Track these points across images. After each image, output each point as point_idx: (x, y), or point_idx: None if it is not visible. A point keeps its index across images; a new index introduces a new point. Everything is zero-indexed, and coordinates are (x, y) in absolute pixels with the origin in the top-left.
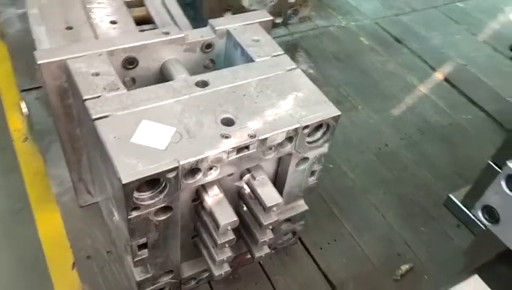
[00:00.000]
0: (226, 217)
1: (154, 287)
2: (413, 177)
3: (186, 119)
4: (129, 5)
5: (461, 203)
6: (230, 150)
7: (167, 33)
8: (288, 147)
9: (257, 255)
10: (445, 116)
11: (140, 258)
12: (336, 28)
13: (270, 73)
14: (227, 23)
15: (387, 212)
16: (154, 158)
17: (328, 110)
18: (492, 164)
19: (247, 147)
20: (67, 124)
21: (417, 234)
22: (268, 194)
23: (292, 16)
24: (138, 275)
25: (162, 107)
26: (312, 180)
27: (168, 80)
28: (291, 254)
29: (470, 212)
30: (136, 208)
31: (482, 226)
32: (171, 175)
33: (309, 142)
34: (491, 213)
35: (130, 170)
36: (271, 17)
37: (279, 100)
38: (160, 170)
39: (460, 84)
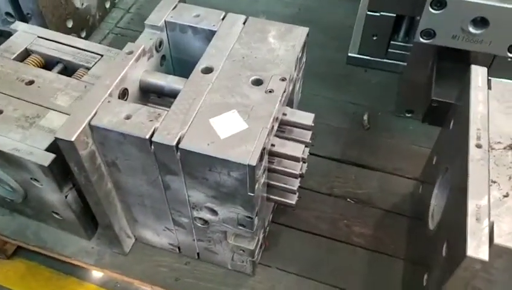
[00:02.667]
0: (298, 149)
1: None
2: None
3: (231, 99)
4: None
5: (359, 54)
6: (280, 98)
7: (131, 52)
8: (295, 74)
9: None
10: None
11: (256, 227)
12: None
13: (237, 32)
14: (158, 16)
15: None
16: (251, 136)
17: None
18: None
19: (285, 91)
20: (101, 182)
21: (348, 95)
22: (302, 116)
23: None
24: (252, 245)
25: (205, 102)
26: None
27: (154, 91)
28: None
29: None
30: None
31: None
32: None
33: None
34: (427, 34)
35: (245, 156)
36: None
37: (266, 45)
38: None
39: None
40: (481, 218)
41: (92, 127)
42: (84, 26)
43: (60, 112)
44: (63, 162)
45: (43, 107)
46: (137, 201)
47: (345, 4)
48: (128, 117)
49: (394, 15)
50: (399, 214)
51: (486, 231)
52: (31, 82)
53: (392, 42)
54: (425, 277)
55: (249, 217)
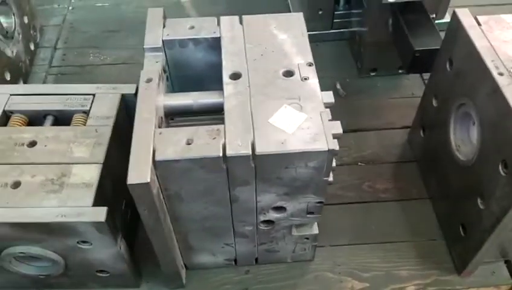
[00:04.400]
0: (338, 126)
1: None
2: None
3: (275, 96)
4: None
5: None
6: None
7: (150, 80)
8: None
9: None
10: None
11: None
12: None
13: (240, 32)
14: (154, 37)
15: None
16: (316, 123)
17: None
18: None
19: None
20: (166, 219)
21: None
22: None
23: None
24: (316, 230)
25: (254, 106)
26: None
27: (181, 112)
28: None
29: None
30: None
31: None
32: None
33: None
34: None
35: (323, 142)
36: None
37: (276, 38)
38: None
39: None
40: None
41: (157, 163)
42: (20, 74)
43: (85, 163)
44: (111, 213)
45: (64, 164)
46: (195, 227)
47: None
48: (189, 142)
49: None
50: (406, 162)
51: None
52: (32, 143)
53: (335, 13)
54: (479, 200)
55: (320, 202)
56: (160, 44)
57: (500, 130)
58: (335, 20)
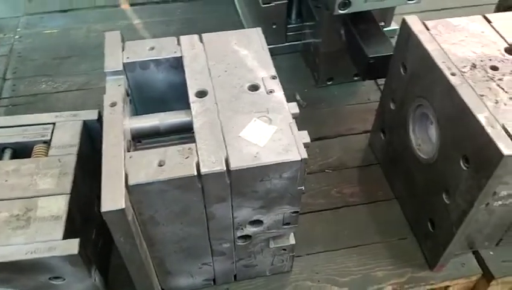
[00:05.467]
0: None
1: None
2: None
3: (243, 110)
4: None
5: None
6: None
7: (114, 104)
8: None
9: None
10: None
11: None
12: None
13: (201, 50)
14: (114, 60)
15: None
16: (286, 134)
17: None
18: None
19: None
20: (142, 245)
21: None
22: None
23: None
24: (293, 240)
25: (223, 122)
26: None
27: (148, 134)
28: None
29: None
30: None
31: None
32: None
33: None
34: (344, 4)
35: (295, 152)
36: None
37: (237, 54)
38: None
39: None
40: (494, 125)
41: (130, 188)
42: None
43: (51, 195)
44: (83, 244)
45: (28, 198)
46: (172, 249)
47: (218, 9)
48: (161, 163)
49: (286, 1)
50: (370, 165)
51: (503, 133)
52: None
53: (288, 26)
54: (444, 195)
55: (296, 211)
56: (121, 67)
57: (458, 127)
58: (288, 33)
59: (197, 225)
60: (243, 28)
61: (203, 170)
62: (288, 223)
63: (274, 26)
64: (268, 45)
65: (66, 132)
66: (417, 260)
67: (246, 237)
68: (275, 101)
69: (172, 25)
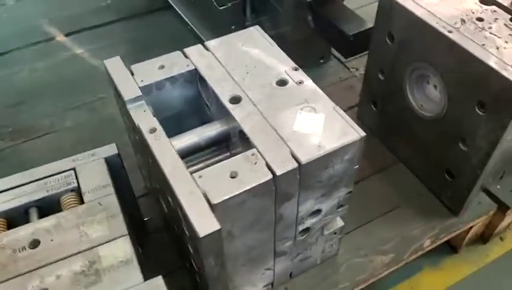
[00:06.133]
0: None
1: None
2: None
3: (284, 105)
4: None
5: None
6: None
7: (154, 130)
8: None
9: None
10: None
11: None
12: None
13: (212, 57)
14: (130, 88)
15: None
16: (336, 118)
17: None
18: None
19: None
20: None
21: None
22: None
23: None
24: (342, 221)
25: (271, 121)
26: None
27: (190, 153)
28: None
29: None
30: None
31: None
32: None
33: None
34: None
35: (353, 132)
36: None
37: (250, 54)
38: None
39: None
40: (506, 67)
41: (214, 207)
42: None
43: (110, 240)
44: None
45: (86, 251)
46: (241, 262)
47: (162, 23)
48: (233, 175)
49: (240, 0)
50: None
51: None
52: (34, 243)
53: (246, 24)
54: (461, 144)
55: (350, 191)
56: (139, 92)
57: (466, 78)
58: None
59: (265, 230)
60: (198, 37)
61: (277, 172)
62: (342, 206)
63: (233, 27)
64: None
65: (92, 173)
66: (440, 211)
67: (306, 230)
68: (309, 90)
69: (120, 47)
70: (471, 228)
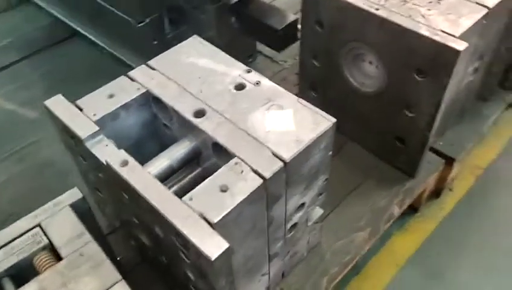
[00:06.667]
0: None
1: None
2: None
3: (250, 108)
4: None
5: None
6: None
7: (126, 163)
8: None
9: None
10: None
11: None
12: None
13: (159, 74)
14: (84, 124)
15: None
16: (305, 110)
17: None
18: None
19: None
20: None
21: None
22: None
23: None
24: (321, 210)
25: (243, 126)
26: None
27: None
28: None
29: None
30: None
31: None
32: None
33: None
34: None
35: (324, 120)
36: None
37: (196, 63)
38: None
39: None
40: (437, 33)
41: (215, 225)
42: None
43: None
44: None
45: None
46: (241, 274)
47: (74, 52)
48: (224, 189)
49: (157, 14)
50: None
51: (446, 35)
52: None
53: (168, 37)
54: (407, 111)
55: (327, 178)
56: (95, 127)
57: (401, 48)
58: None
59: (260, 236)
60: (118, 59)
61: (266, 175)
62: (321, 194)
63: (155, 42)
64: None
65: (62, 225)
66: (398, 178)
67: (293, 226)
68: (268, 89)
69: (35, 86)
70: (427, 186)
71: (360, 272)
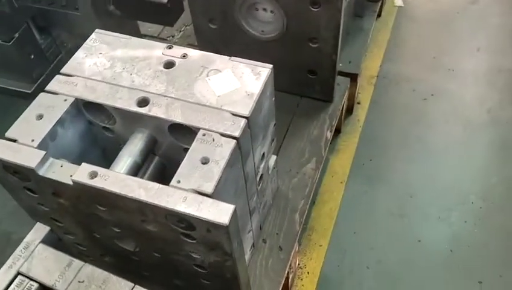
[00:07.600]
0: None
1: None
2: None
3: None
4: None
5: None
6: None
7: (96, 174)
8: None
9: None
10: None
11: None
12: None
13: (86, 69)
14: (28, 157)
15: None
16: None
17: None
18: None
19: None
20: None
21: None
22: None
23: None
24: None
25: (195, 97)
26: None
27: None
28: None
29: None
30: None
31: None
32: None
33: None
34: None
35: (266, 69)
36: None
37: (116, 55)
38: None
39: None
40: None
41: (212, 195)
42: None
43: None
44: None
45: None
46: None
47: None
48: (205, 161)
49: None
50: None
51: None
52: None
53: (43, 47)
54: (310, 43)
55: (275, 123)
56: (42, 152)
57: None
58: (47, 54)
59: (241, 195)
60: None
61: (236, 134)
62: (273, 140)
63: (32, 57)
64: (40, 76)
65: (45, 262)
66: (320, 107)
67: (261, 178)
68: (198, 57)
69: None
70: (343, 106)
71: (316, 201)
